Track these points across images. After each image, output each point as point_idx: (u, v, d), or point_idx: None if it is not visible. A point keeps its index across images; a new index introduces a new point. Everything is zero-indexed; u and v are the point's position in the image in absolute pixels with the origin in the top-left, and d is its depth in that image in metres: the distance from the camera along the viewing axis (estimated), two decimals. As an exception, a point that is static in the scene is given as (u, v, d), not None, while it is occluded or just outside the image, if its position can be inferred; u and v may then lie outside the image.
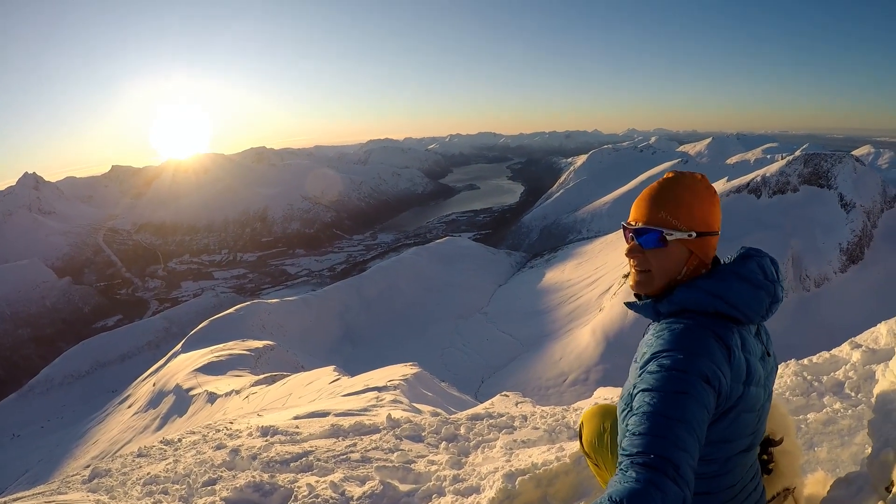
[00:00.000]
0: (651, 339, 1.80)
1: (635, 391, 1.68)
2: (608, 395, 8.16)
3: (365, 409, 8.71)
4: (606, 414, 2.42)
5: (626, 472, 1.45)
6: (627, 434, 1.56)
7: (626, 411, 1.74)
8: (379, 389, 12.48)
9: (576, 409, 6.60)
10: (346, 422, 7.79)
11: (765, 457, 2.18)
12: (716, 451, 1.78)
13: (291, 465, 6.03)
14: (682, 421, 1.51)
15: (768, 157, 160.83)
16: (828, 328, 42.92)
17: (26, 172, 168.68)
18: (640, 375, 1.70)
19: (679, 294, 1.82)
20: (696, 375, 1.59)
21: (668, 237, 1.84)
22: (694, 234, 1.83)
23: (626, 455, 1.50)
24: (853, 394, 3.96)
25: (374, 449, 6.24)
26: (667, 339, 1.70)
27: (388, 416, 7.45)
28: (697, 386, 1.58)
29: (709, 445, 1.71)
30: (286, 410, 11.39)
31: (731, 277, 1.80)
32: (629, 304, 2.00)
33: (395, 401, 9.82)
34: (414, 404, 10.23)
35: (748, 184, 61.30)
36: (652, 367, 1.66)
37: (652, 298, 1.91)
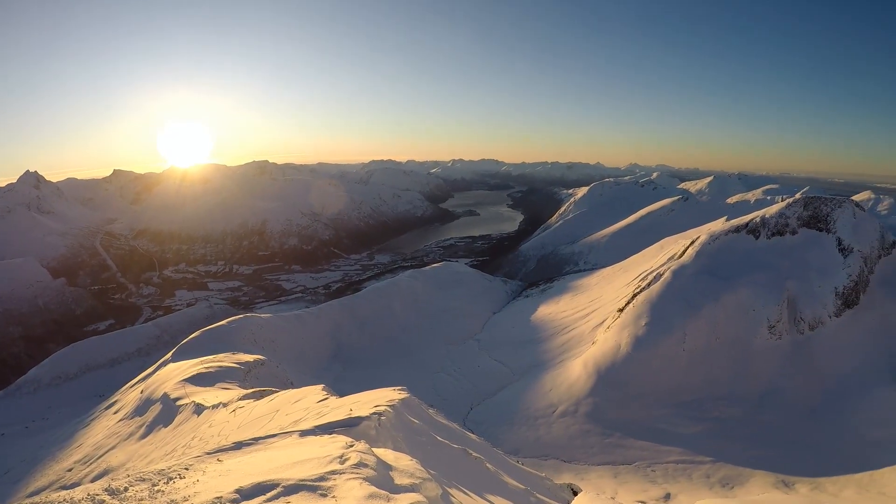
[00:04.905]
0: None
1: None
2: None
3: (322, 478, 7.75)
4: None
5: None
6: None
7: None
8: (356, 425, 11.93)
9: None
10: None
11: None
12: None
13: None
14: None
15: (769, 198, 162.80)
16: (820, 372, 42.94)
17: (27, 171, 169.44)
18: None
19: None
20: None
21: None
22: None
23: None
24: None
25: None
26: None
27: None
28: None
29: None
30: (237, 465, 9.74)
31: None
32: None
33: (360, 464, 8.51)
34: (389, 465, 9.08)
35: (747, 224, 61.56)
36: None
37: None
